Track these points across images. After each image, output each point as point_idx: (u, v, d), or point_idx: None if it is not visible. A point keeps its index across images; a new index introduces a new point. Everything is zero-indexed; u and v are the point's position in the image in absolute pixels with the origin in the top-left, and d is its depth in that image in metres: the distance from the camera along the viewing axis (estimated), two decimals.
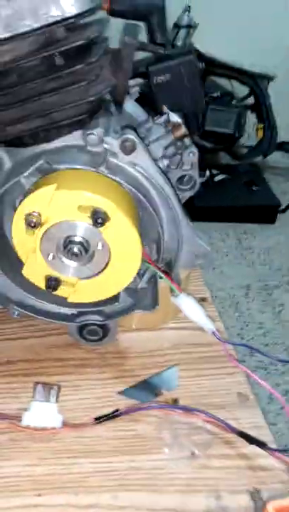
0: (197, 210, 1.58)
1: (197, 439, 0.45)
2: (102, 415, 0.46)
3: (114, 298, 0.48)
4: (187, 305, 0.48)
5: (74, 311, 0.50)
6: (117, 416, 0.46)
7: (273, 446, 0.44)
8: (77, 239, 0.42)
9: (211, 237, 1.60)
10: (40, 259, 0.43)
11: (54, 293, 0.45)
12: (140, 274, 0.48)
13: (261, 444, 0.44)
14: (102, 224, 0.40)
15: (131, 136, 0.42)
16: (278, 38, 1.73)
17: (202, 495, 0.41)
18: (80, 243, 0.42)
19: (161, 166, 0.46)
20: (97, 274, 0.45)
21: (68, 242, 0.43)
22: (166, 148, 0.46)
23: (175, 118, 0.47)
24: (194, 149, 0.48)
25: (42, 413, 0.45)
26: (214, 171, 1.66)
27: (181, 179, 0.49)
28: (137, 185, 0.44)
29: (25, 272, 0.45)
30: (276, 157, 1.85)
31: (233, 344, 0.50)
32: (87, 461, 0.43)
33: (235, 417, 0.47)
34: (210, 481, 0.42)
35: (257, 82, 1.63)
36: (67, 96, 0.39)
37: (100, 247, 0.43)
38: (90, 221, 0.41)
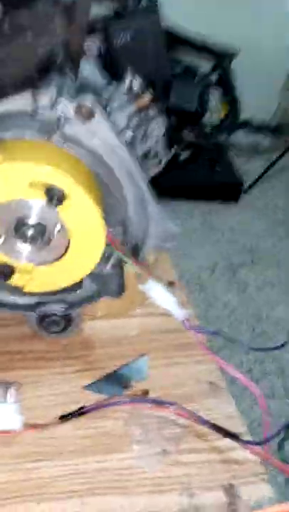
0: (160, 188, 1.53)
1: (168, 433, 0.43)
2: (67, 413, 0.42)
3: (77, 285, 0.44)
4: (156, 292, 0.44)
5: (33, 300, 0.45)
6: (83, 413, 0.42)
7: (247, 437, 0.42)
8: (31, 220, 0.38)
9: (175, 217, 1.57)
10: None
11: (8, 282, 0.40)
12: (105, 259, 0.44)
13: (234, 437, 0.42)
14: (59, 203, 0.36)
15: (88, 100, 0.37)
16: (245, 13, 1.69)
17: (174, 493, 0.39)
18: (34, 225, 0.38)
19: (124, 138, 0.41)
20: (56, 260, 0.40)
21: (21, 224, 0.38)
22: (129, 118, 0.41)
23: (139, 84, 0.42)
24: (161, 120, 0.43)
25: None
26: (178, 150, 1.63)
27: (146, 154, 0.44)
28: (97, 158, 0.39)
29: None
30: (239, 136, 1.84)
31: (204, 332, 0.48)
32: (50, 464, 0.39)
33: (207, 408, 0.44)
34: (182, 478, 0.40)
35: (220, 58, 1.59)
36: (10, 50, 0.34)
37: (57, 229, 0.38)
38: (45, 199, 0.36)
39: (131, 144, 0.42)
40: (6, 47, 0.34)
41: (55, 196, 0.35)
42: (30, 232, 0.38)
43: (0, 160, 0.35)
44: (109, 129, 0.38)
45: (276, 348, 0.88)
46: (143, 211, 0.43)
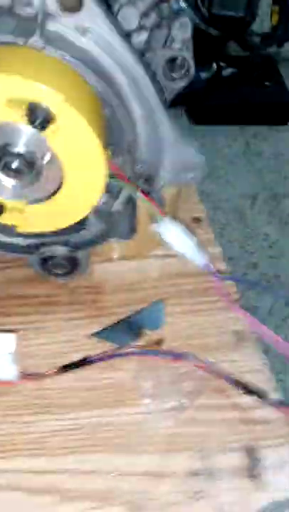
0: (200, 110, 1.41)
1: (183, 387, 0.39)
2: (70, 363, 0.39)
3: (80, 225, 0.39)
4: (171, 233, 0.38)
5: (33, 241, 0.41)
6: (88, 363, 0.39)
7: (273, 395, 0.38)
8: (15, 149, 0.31)
9: (216, 143, 1.45)
10: None
11: None
12: (114, 194, 0.38)
13: (258, 395, 0.38)
14: (44, 125, 0.29)
15: None
16: None
17: (187, 454, 0.36)
18: (19, 155, 0.31)
19: (137, 41, 0.33)
20: (50, 196, 0.34)
21: (3, 155, 0.32)
22: (144, 15, 0.33)
23: None
24: (186, 19, 0.35)
25: None
26: (221, 64, 1.46)
27: (169, 62, 0.36)
28: (94, 65, 0.31)
29: None
30: None
31: (230, 279, 0.42)
32: (49, 417, 0.37)
33: (230, 361, 0.40)
34: (197, 437, 0.36)
35: None
36: None
37: (47, 159, 0.32)
38: (27, 122, 0.29)
39: (146, 48, 0.34)
40: None
41: (38, 116, 0.29)
42: (15, 164, 0.32)
43: None
44: (107, 23, 0.30)
45: None
46: (156, 135, 0.36)
